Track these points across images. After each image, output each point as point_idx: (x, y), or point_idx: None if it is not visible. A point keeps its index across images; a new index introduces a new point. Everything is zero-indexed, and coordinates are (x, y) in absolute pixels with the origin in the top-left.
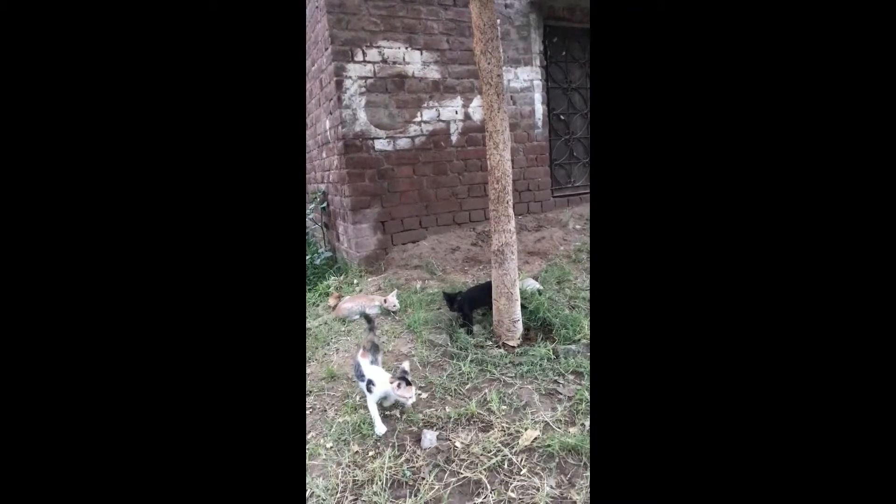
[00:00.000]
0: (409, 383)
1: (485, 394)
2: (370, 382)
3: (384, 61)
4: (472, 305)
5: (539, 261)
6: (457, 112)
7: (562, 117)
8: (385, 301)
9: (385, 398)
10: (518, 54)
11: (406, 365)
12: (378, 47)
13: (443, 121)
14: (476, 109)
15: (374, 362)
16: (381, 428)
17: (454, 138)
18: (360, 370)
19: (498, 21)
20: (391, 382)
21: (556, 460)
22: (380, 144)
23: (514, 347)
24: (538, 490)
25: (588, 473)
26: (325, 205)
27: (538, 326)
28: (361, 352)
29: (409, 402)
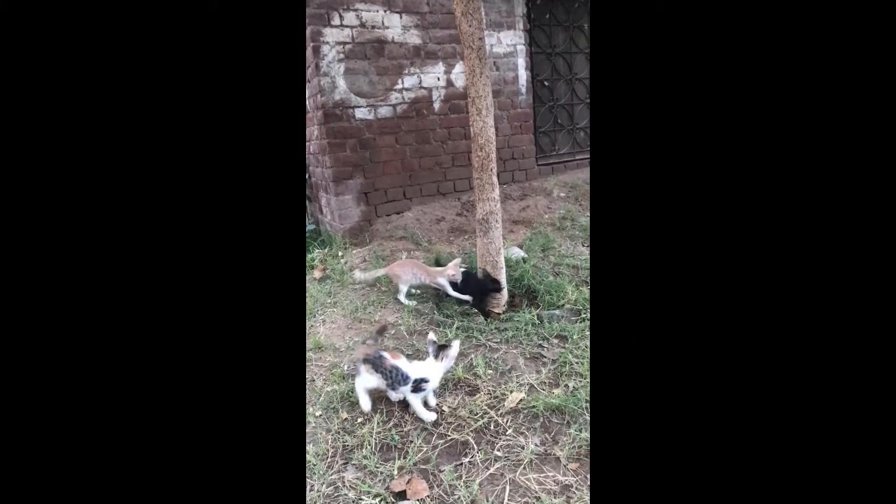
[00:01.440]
0: (446, 346)
1: (471, 359)
2: (422, 381)
3: (362, 25)
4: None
5: (524, 229)
6: (439, 79)
7: (546, 83)
8: (452, 275)
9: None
10: (501, 17)
11: (432, 335)
12: (356, 10)
13: (425, 88)
14: (459, 76)
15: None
16: (429, 416)
17: (437, 106)
18: (401, 373)
19: None
20: (438, 361)
21: (541, 420)
22: (360, 113)
23: (499, 314)
24: (523, 448)
25: (571, 431)
26: (306, 176)
27: (523, 293)
28: (391, 353)
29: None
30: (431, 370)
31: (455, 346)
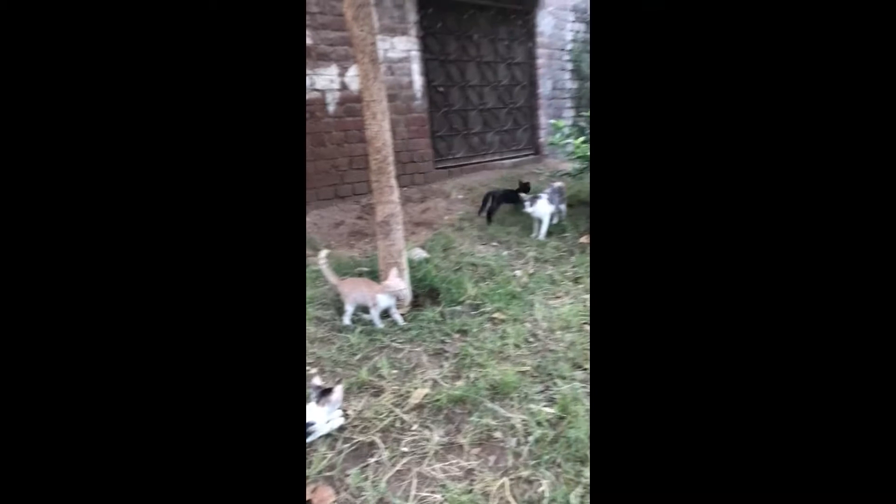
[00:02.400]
0: (329, 391)
1: (375, 361)
2: (309, 426)
3: None
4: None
5: (425, 231)
6: (332, 81)
7: (440, 89)
8: (396, 289)
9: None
10: (393, 23)
11: (317, 380)
12: None
13: (317, 90)
14: (353, 79)
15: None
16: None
17: (331, 108)
18: None
19: None
20: (320, 406)
21: (444, 412)
22: None
23: (403, 314)
24: (428, 441)
25: (472, 418)
26: None
27: (426, 293)
28: None
29: (338, 408)
30: (315, 415)
31: (338, 391)
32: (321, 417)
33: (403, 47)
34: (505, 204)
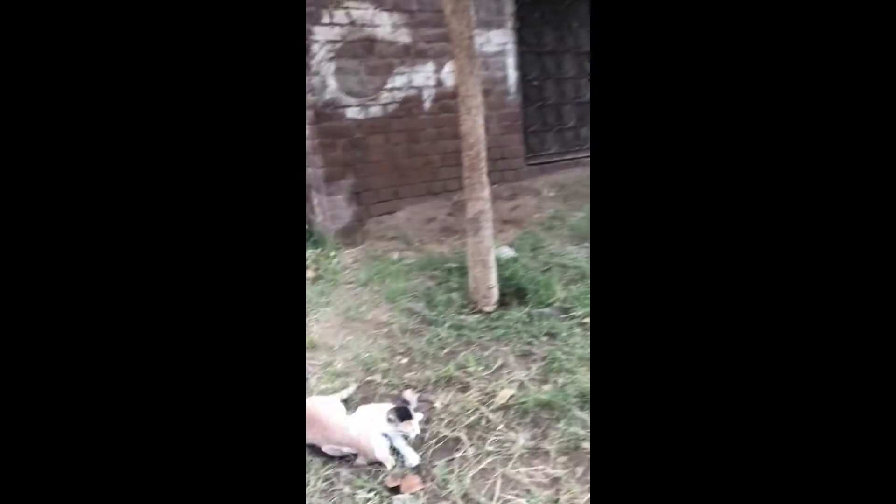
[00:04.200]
0: (408, 416)
1: (462, 357)
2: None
3: (352, 23)
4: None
5: (514, 229)
6: (429, 78)
7: (535, 83)
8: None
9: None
10: (490, 16)
11: (408, 394)
12: (345, 8)
13: (415, 87)
14: (449, 75)
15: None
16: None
17: (427, 105)
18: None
19: None
20: (390, 422)
21: (531, 416)
22: (351, 112)
23: (489, 313)
24: (514, 443)
25: (560, 425)
26: None
27: (513, 292)
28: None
29: (413, 434)
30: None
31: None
32: (415, 428)
33: (499, 41)
34: None
